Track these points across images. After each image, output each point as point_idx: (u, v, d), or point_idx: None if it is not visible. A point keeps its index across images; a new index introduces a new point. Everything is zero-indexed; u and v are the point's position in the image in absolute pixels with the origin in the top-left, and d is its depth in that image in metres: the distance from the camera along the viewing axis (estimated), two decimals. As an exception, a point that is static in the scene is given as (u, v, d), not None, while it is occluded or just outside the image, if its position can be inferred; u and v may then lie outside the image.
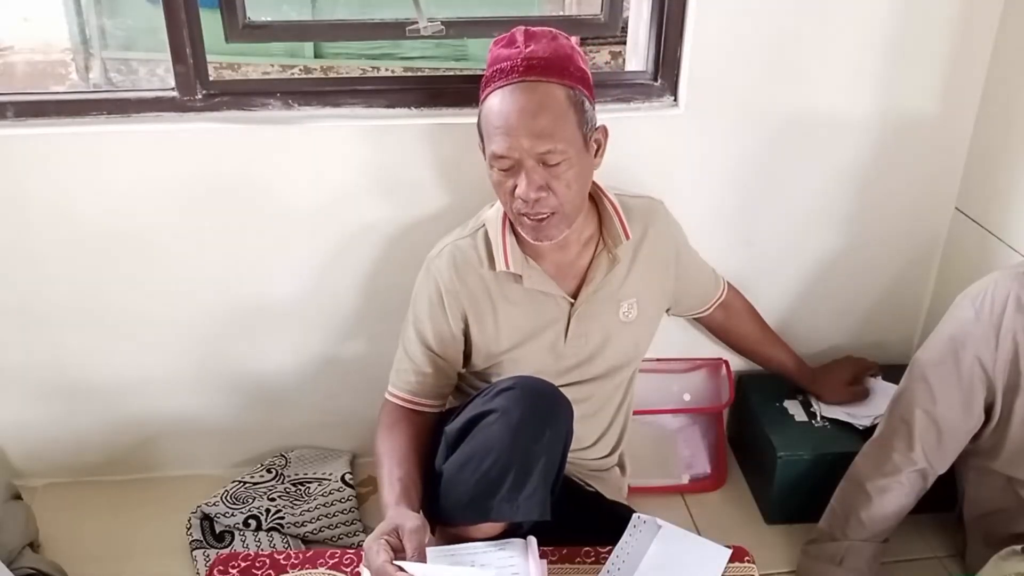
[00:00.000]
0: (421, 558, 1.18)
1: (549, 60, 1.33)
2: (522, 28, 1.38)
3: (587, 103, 1.36)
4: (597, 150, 1.41)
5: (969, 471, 1.61)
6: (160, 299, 1.78)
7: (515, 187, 1.34)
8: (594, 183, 1.46)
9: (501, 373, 1.48)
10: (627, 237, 1.46)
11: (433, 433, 1.46)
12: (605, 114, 1.42)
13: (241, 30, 1.63)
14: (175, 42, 1.60)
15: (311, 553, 1.41)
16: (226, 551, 1.68)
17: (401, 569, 1.14)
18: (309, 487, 1.86)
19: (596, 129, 1.39)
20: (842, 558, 1.59)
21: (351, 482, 1.89)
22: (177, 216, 1.71)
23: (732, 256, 1.85)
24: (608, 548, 1.36)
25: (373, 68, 3.94)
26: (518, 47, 1.35)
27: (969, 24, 1.70)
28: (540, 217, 1.35)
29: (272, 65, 3.94)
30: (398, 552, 1.18)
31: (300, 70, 3.96)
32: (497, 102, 1.33)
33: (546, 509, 1.28)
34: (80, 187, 1.67)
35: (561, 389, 1.35)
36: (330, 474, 1.90)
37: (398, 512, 1.26)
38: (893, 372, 1.81)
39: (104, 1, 3.95)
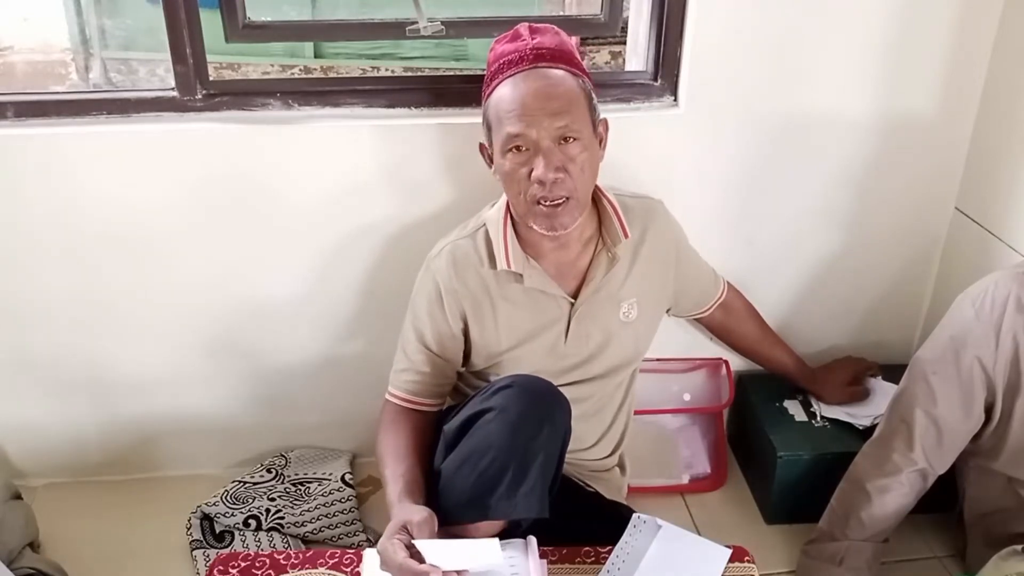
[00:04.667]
0: None
1: (556, 51, 1.37)
2: (525, 24, 1.41)
3: (593, 93, 1.39)
4: (600, 142, 1.42)
5: (969, 471, 1.61)
6: (159, 299, 1.78)
7: (530, 172, 1.34)
8: (594, 183, 1.46)
9: (501, 373, 1.48)
10: (626, 236, 1.46)
11: (433, 432, 1.46)
12: (605, 114, 1.44)
13: (241, 30, 1.63)
14: (175, 42, 1.60)
15: (311, 553, 1.41)
16: (226, 551, 1.68)
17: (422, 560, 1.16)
18: (309, 487, 1.86)
19: (600, 121, 1.41)
20: (842, 558, 1.59)
21: (351, 482, 1.89)
22: (177, 216, 1.71)
23: (732, 256, 1.85)
24: (608, 548, 1.36)
25: (373, 68, 3.93)
26: (524, 39, 1.37)
27: (969, 24, 1.70)
28: (556, 202, 1.35)
29: (272, 65, 3.93)
30: (412, 548, 1.19)
31: (300, 70, 3.95)
32: (509, 89, 1.34)
33: (545, 506, 1.28)
34: (80, 187, 1.67)
35: (561, 388, 1.35)
36: (330, 474, 1.90)
37: (402, 509, 1.27)
38: (893, 372, 1.81)
39: (104, 1, 3.94)
